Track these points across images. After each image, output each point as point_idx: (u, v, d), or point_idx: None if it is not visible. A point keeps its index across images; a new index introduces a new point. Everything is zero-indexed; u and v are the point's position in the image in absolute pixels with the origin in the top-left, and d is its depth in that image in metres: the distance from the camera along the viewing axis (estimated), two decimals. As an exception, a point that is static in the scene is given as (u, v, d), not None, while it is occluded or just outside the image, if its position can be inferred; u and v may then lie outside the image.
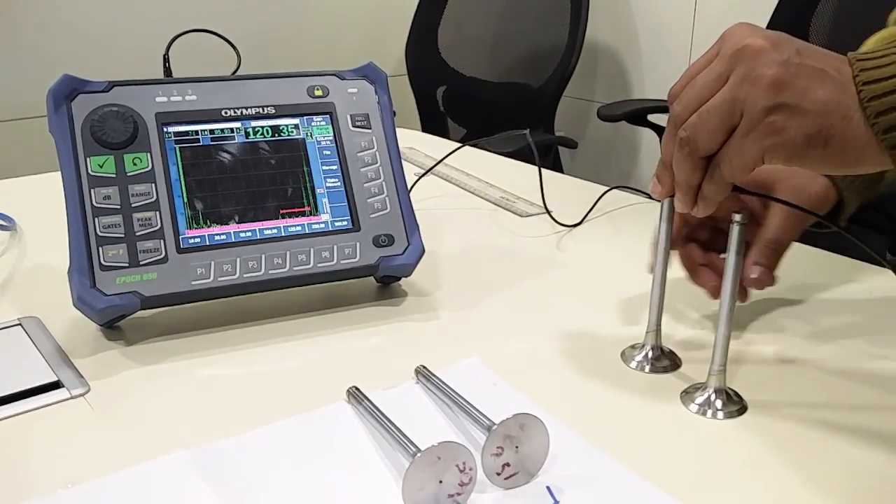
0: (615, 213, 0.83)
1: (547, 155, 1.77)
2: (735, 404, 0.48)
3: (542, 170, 0.85)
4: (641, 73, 2.03)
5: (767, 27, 1.48)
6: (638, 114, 1.62)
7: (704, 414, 0.48)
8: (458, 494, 0.39)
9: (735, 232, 0.45)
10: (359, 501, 0.40)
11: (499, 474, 0.40)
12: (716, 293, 0.53)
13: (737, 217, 0.45)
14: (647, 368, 0.52)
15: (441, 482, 0.38)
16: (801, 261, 0.71)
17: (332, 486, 0.41)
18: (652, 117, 1.64)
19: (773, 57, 0.40)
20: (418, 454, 0.38)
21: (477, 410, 0.44)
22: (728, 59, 0.42)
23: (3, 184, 0.89)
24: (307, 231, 0.58)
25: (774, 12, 1.48)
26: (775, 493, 0.41)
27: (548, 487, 0.41)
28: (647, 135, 1.73)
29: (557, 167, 1.86)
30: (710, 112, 0.42)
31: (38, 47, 1.70)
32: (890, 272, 0.67)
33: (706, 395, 0.48)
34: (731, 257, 0.45)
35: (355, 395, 0.48)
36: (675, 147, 0.44)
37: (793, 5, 1.47)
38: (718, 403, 0.48)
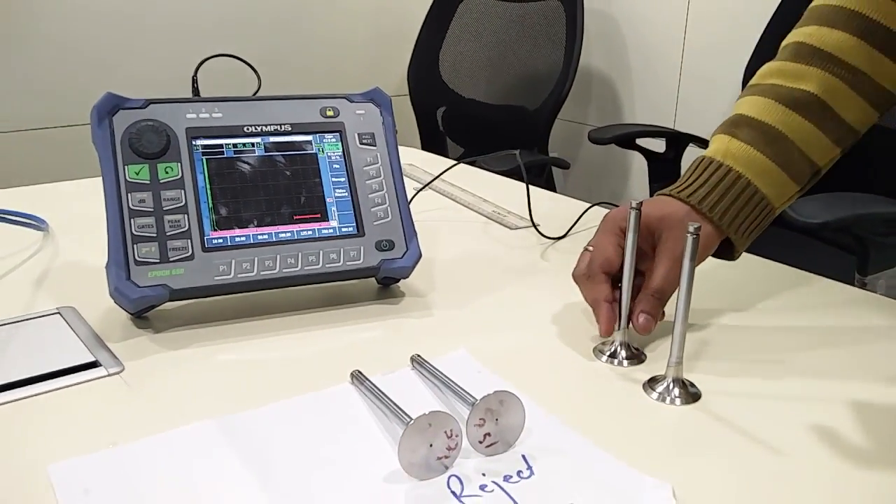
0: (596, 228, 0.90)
1: (540, 175, 1.85)
2: (691, 393, 0.55)
3: (534, 187, 0.93)
4: (632, 99, 2.12)
5: (754, 52, 1.56)
6: (627, 137, 1.70)
7: (664, 401, 0.54)
8: (446, 457, 0.46)
9: (689, 242, 0.52)
10: (361, 464, 0.46)
11: (481, 442, 0.47)
12: (607, 331, 0.60)
13: (691, 229, 0.52)
14: (615, 362, 0.59)
15: (431, 446, 0.45)
16: (760, 273, 0.78)
17: (339, 452, 0.48)
18: (640, 141, 1.72)
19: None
20: (411, 422, 0.45)
21: (463, 389, 0.51)
22: None
23: (35, 189, 0.96)
24: (317, 235, 0.65)
25: (760, 40, 1.56)
26: (721, 467, 0.48)
27: (523, 455, 0.47)
28: (637, 157, 1.80)
29: (550, 186, 1.93)
30: None
31: (73, 65, 1.79)
32: (850, 289, 0.75)
33: (665, 385, 0.55)
34: (686, 263, 0.52)
35: (358, 377, 0.54)
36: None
37: (781, 30, 1.55)
38: (676, 391, 0.55)
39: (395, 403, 0.49)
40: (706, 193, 0.63)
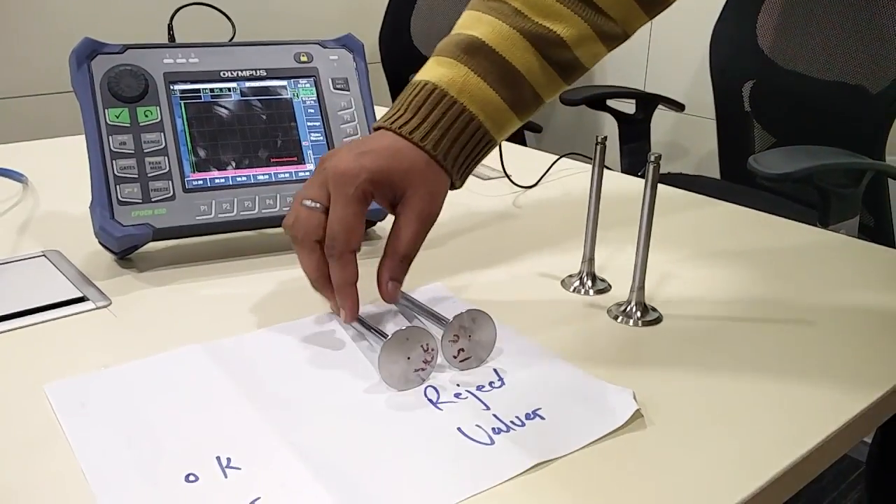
0: (566, 178, 0.93)
1: (513, 138, 1.87)
2: (652, 315, 0.58)
3: (506, 143, 0.95)
4: (603, 61, 2.14)
5: (721, 15, 1.59)
6: (597, 98, 1.73)
7: (627, 322, 0.58)
8: (422, 370, 0.48)
9: (650, 170, 0.55)
10: (343, 380, 0.49)
11: (455, 357, 0.50)
12: (353, 317, 0.53)
13: (651, 158, 0.55)
14: (582, 291, 0.62)
15: (409, 359, 0.48)
16: (726, 216, 0.82)
17: (322, 370, 0.50)
18: (611, 102, 1.76)
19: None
20: (389, 337, 0.47)
21: (438, 313, 0.53)
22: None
23: (11, 147, 0.96)
24: (294, 178, 0.67)
25: (726, 3, 1.60)
26: (679, 378, 0.51)
27: (494, 369, 0.50)
28: (607, 119, 1.84)
29: (523, 150, 1.95)
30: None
31: (47, 24, 1.77)
32: (813, 230, 0.78)
33: (628, 308, 0.58)
34: (647, 192, 0.55)
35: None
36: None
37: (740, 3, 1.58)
38: (638, 314, 0.58)
39: (373, 326, 0.52)
40: (440, 137, 0.55)
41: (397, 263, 0.55)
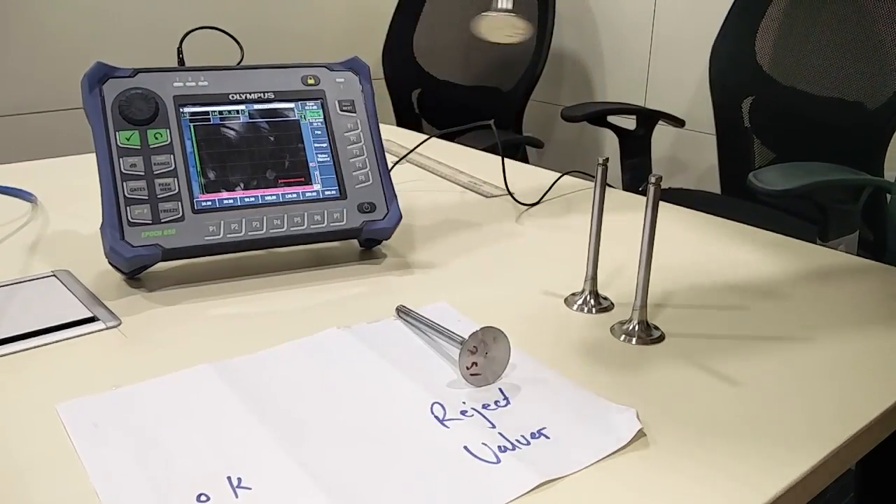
0: (569, 196, 0.94)
1: (515, 154, 1.89)
2: (654, 334, 0.59)
3: (509, 160, 0.97)
4: (604, 78, 2.16)
5: (720, 32, 1.61)
6: (598, 115, 1.75)
7: (630, 341, 0.59)
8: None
9: (651, 191, 0.56)
10: (348, 399, 0.50)
11: (468, 368, 0.51)
12: None
13: (652, 179, 0.56)
14: (585, 310, 0.63)
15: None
16: (726, 234, 0.83)
17: (329, 388, 0.51)
18: (612, 118, 1.77)
19: None
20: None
21: (450, 330, 0.54)
22: None
23: (20, 166, 0.98)
24: (302, 198, 0.68)
25: (725, 20, 1.62)
26: (681, 396, 0.52)
27: (500, 389, 0.51)
28: (608, 135, 1.85)
29: (525, 165, 1.97)
30: None
31: (56, 44, 1.79)
32: (812, 247, 0.79)
33: (631, 327, 0.59)
34: (648, 212, 0.56)
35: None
36: None
37: (743, 12, 1.60)
38: (641, 333, 0.59)
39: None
40: None
41: None
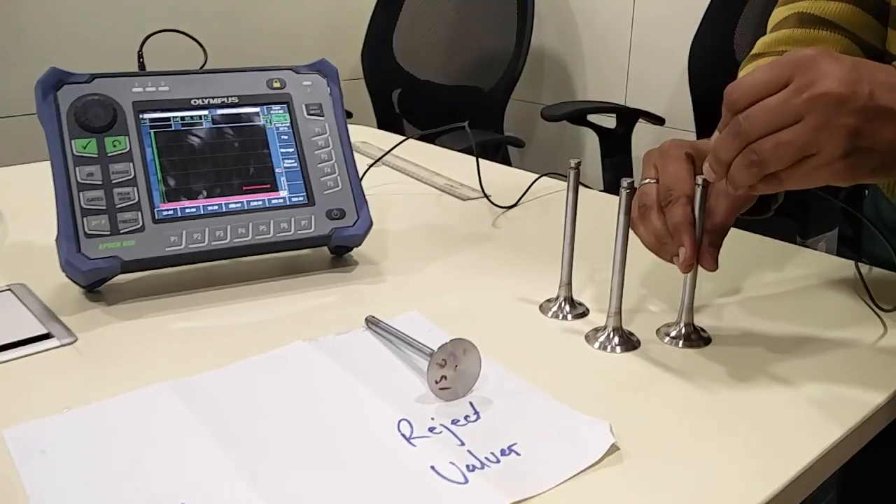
0: (546, 197, 0.92)
1: (496, 154, 1.87)
2: (630, 341, 0.57)
3: (486, 161, 0.95)
4: (584, 77, 2.15)
5: (698, 30, 1.60)
6: (579, 114, 1.74)
7: (605, 349, 0.57)
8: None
9: (623, 196, 0.54)
10: (312, 418, 0.48)
11: (437, 382, 0.49)
12: (689, 262, 0.54)
13: (625, 184, 0.54)
14: (560, 316, 0.62)
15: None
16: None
17: (292, 406, 0.49)
18: (592, 117, 1.76)
19: (851, 106, 0.44)
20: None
21: (419, 342, 0.52)
22: (806, 102, 0.45)
23: (-20, 174, 0.95)
24: (267, 205, 0.66)
25: (704, 17, 1.61)
26: (656, 406, 0.50)
27: (470, 402, 0.49)
28: (589, 134, 1.84)
29: (506, 164, 1.96)
30: (787, 146, 0.45)
31: (16, 48, 1.75)
32: (791, 247, 0.78)
33: (606, 334, 0.57)
34: (620, 218, 0.55)
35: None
36: (742, 160, 0.48)
37: (721, 8, 1.59)
38: (616, 340, 0.57)
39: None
40: None
41: (713, 238, 0.54)
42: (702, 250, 0.54)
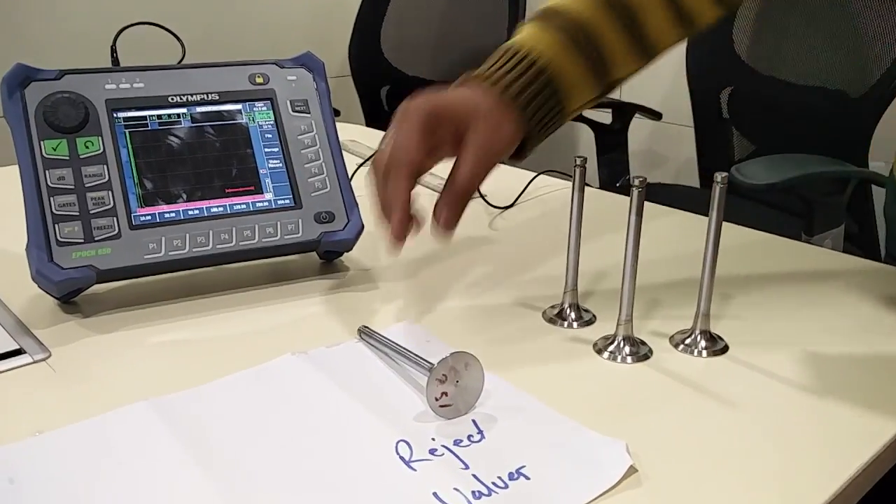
0: (544, 196, 0.89)
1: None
2: (641, 351, 0.54)
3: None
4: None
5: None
6: (573, 109, 1.70)
7: (615, 360, 0.53)
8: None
9: (635, 195, 0.51)
10: (301, 437, 0.44)
11: (437, 399, 0.45)
12: (398, 236, 0.55)
13: (636, 182, 0.50)
14: (565, 324, 0.58)
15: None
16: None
17: (279, 425, 0.45)
18: (587, 112, 1.72)
19: None
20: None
21: (417, 355, 0.49)
22: None
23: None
24: (252, 209, 0.62)
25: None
26: (672, 422, 0.47)
27: (473, 420, 0.46)
28: (584, 129, 1.80)
29: (500, 162, 1.92)
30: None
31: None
32: (797, 245, 0.75)
33: (616, 344, 0.54)
34: (631, 218, 0.51)
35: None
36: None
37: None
38: (626, 350, 0.54)
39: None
40: (504, 77, 0.58)
41: (453, 197, 0.55)
42: (436, 213, 0.55)
